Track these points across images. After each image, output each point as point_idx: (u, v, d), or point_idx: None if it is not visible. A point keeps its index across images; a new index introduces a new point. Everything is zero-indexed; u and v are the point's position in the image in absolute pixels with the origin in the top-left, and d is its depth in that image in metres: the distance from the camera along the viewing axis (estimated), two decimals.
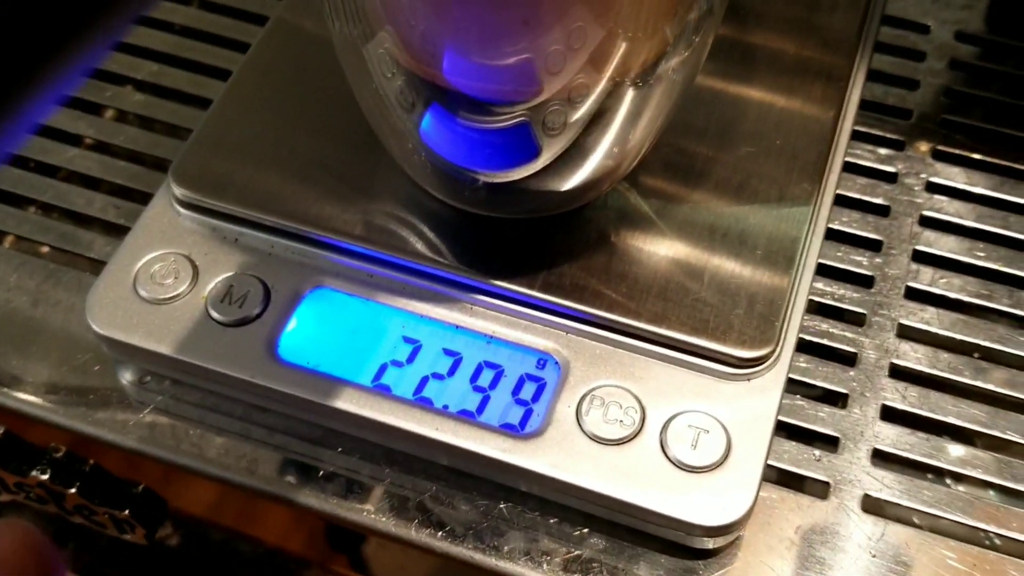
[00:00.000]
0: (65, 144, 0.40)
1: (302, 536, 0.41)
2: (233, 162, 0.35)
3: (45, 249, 0.37)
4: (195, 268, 0.33)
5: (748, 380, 0.31)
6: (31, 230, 0.38)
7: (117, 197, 0.38)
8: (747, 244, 0.33)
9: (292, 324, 0.33)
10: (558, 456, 0.30)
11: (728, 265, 0.33)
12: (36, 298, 0.36)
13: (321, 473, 0.32)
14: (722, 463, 0.30)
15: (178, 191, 0.34)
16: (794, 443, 0.33)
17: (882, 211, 0.37)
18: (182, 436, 0.33)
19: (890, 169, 0.38)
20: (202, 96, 0.41)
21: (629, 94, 0.30)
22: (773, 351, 0.31)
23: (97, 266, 0.35)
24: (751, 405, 0.31)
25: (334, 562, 0.41)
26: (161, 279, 0.33)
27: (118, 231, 0.37)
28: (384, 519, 0.31)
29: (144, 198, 0.38)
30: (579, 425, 0.31)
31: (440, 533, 0.31)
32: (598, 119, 0.30)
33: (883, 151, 0.39)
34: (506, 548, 0.31)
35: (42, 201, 0.38)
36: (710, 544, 0.30)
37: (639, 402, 0.31)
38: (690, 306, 0.32)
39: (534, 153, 0.30)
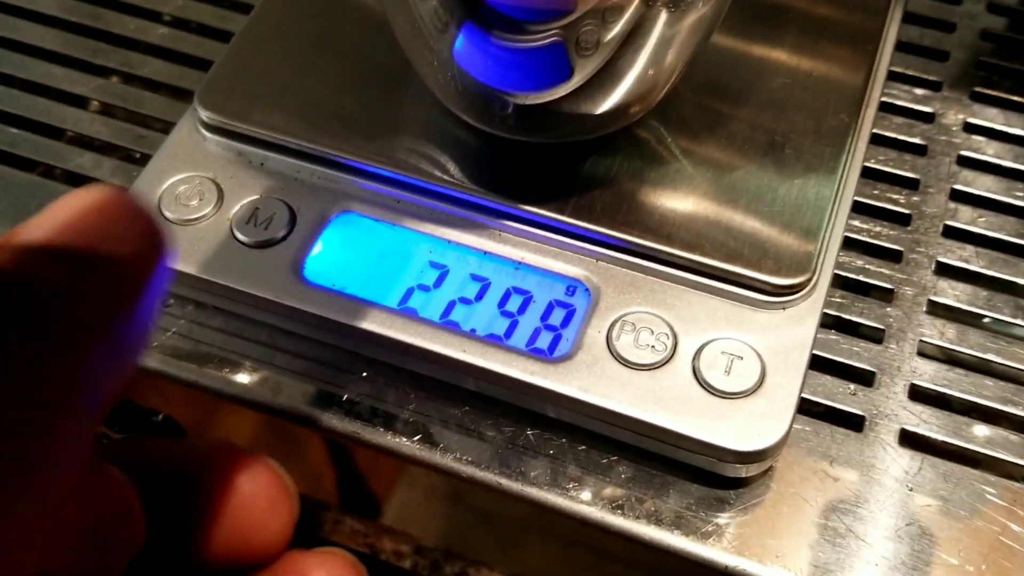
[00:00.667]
0: (91, 75, 0.39)
1: (326, 483, 0.40)
2: (260, 86, 0.34)
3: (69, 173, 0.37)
4: (220, 191, 0.33)
5: (783, 308, 0.31)
6: (55, 157, 0.37)
7: (142, 127, 0.38)
8: (783, 174, 0.32)
9: (318, 247, 0.32)
10: (588, 379, 0.30)
11: (763, 195, 0.32)
12: None
13: (345, 397, 0.32)
14: (756, 389, 0.29)
15: (204, 114, 0.34)
16: (829, 377, 0.32)
17: (919, 150, 0.37)
18: (204, 359, 0.32)
19: (927, 109, 0.38)
20: (227, 30, 0.40)
21: (662, 17, 0.29)
22: (809, 279, 0.31)
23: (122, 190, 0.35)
24: (786, 333, 0.30)
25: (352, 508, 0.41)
26: (186, 200, 0.33)
27: (143, 160, 0.37)
28: (408, 443, 0.31)
29: (170, 128, 0.37)
30: (609, 350, 0.30)
31: (465, 458, 0.31)
32: (631, 41, 0.29)
33: (920, 91, 0.38)
34: (532, 474, 0.30)
35: (67, 130, 0.38)
36: (742, 472, 0.30)
37: (671, 328, 0.30)
38: (724, 233, 0.31)
39: (567, 73, 0.30)
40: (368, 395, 0.32)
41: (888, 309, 0.33)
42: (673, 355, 0.30)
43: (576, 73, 0.30)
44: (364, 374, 0.32)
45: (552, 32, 0.28)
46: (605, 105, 0.31)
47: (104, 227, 0.18)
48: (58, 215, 0.18)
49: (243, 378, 0.32)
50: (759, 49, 0.35)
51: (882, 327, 0.33)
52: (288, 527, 0.23)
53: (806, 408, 0.32)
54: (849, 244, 0.34)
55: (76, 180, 0.37)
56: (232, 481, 0.22)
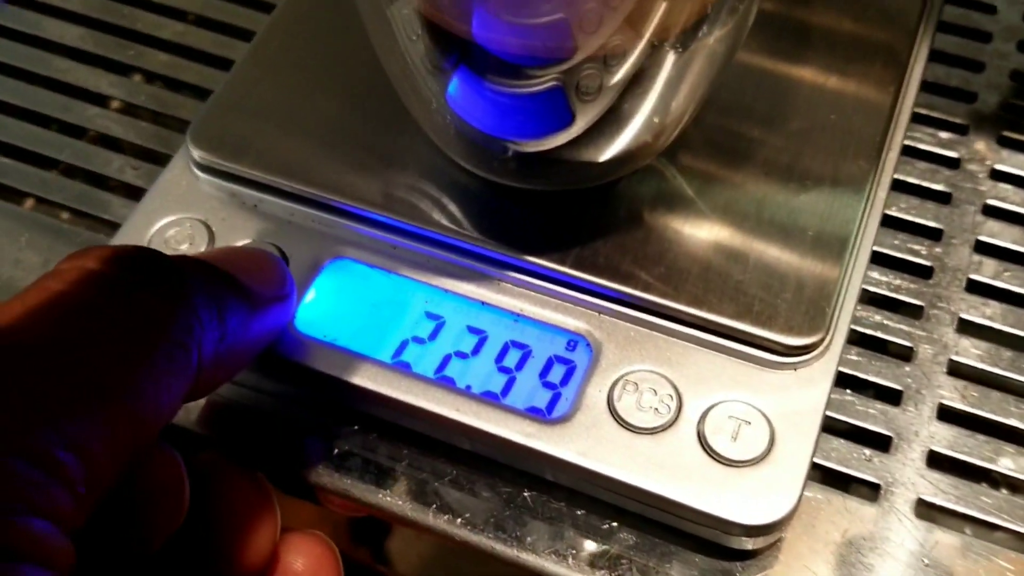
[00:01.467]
0: (87, 103, 0.38)
1: (326, 529, 0.39)
2: (254, 125, 0.33)
3: (61, 212, 0.36)
4: (211, 233, 0.32)
5: (795, 370, 0.29)
6: (47, 190, 0.36)
7: (138, 158, 0.37)
8: (797, 226, 0.31)
9: (310, 295, 0.31)
10: (587, 443, 0.28)
11: (775, 247, 0.30)
12: (47, 258, 0.34)
13: (336, 451, 0.30)
14: (765, 457, 0.28)
15: (196, 154, 0.32)
16: (843, 441, 0.31)
17: (943, 198, 0.35)
18: (190, 408, 0.31)
19: (952, 154, 0.36)
20: (226, 57, 0.39)
21: (668, 59, 0.28)
22: (822, 339, 0.29)
23: (112, 229, 0.34)
24: (797, 397, 0.29)
25: (357, 554, 0.39)
26: (176, 244, 0.31)
27: (136, 193, 0.36)
28: (400, 502, 0.30)
29: (165, 160, 0.36)
30: (610, 411, 0.29)
31: (459, 520, 0.29)
32: (635, 85, 0.28)
33: (945, 135, 0.36)
34: (529, 539, 0.29)
35: (61, 161, 0.37)
36: (749, 545, 0.28)
37: (676, 389, 0.29)
38: (733, 289, 0.30)
39: (567, 120, 0.28)
40: (361, 448, 0.30)
41: (907, 368, 0.32)
42: (677, 418, 0.28)
43: (577, 119, 0.28)
44: (356, 427, 0.31)
45: (551, 77, 0.27)
46: (609, 152, 0.29)
47: (246, 261, 0.27)
48: (219, 250, 0.28)
49: (226, 427, 0.31)
50: (775, 88, 0.34)
51: (900, 388, 0.31)
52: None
53: (818, 474, 0.30)
54: (867, 297, 0.33)
55: (68, 213, 0.36)
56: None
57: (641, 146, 0.30)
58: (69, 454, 0.19)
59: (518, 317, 0.30)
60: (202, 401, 0.31)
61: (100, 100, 0.39)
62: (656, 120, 0.29)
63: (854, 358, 0.32)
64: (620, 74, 0.27)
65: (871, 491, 0.30)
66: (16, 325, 0.20)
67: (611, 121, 0.28)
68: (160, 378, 0.21)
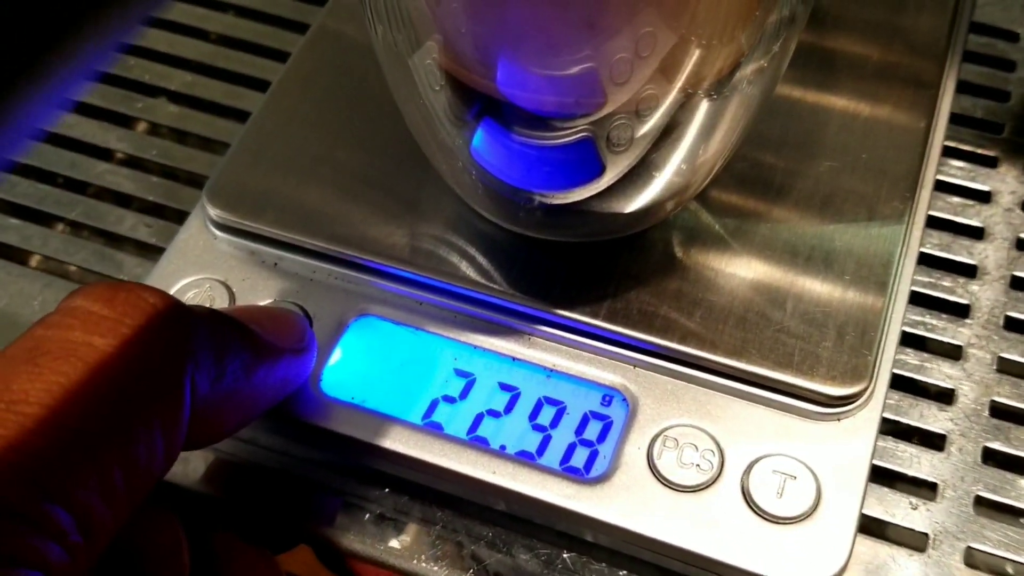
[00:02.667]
0: (94, 158, 0.38)
1: None
2: (272, 181, 0.32)
3: (73, 269, 0.35)
4: (232, 294, 0.31)
5: (838, 420, 0.28)
6: (58, 249, 0.35)
7: (149, 215, 0.36)
8: (833, 268, 0.30)
9: (336, 355, 0.30)
10: (628, 504, 0.27)
11: (813, 292, 0.30)
12: None
13: (367, 516, 0.30)
14: (811, 513, 0.27)
15: (213, 212, 0.32)
16: (887, 489, 0.30)
17: (976, 233, 0.34)
18: (214, 472, 0.30)
19: (984, 188, 0.35)
20: (238, 108, 0.38)
21: (702, 107, 0.27)
22: (866, 388, 0.28)
23: None
24: (843, 448, 0.28)
25: None
26: (198, 304, 0.31)
27: (150, 251, 0.35)
28: (436, 567, 0.29)
29: (178, 216, 0.35)
30: (651, 469, 0.28)
31: None
32: (668, 134, 0.27)
33: (975, 168, 0.36)
34: None
35: (70, 219, 0.36)
36: None
37: (717, 444, 0.28)
38: (772, 338, 0.29)
39: (597, 171, 0.27)
40: (392, 510, 0.30)
41: (949, 412, 0.31)
42: (720, 474, 0.28)
43: (608, 171, 0.27)
44: (386, 489, 0.30)
45: (580, 128, 0.26)
46: (639, 202, 0.29)
47: (261, 315, 0.27)
48: (236, 307, 0.30)
49: (253, 491, 0.30)
50: (804, 122, 0.33)
51: (943, 432, 0.31)
52: None
53: (863, 525, 0.29)
54: (905, 339, 0.32)
55: (82, 274, 0.35)
56: None
57: (673, 195, 0.29)
58: (55, 505, 0.19)
59: (551, 372, 0.30)
60: (229, 468, 0.30)
61: (107, 155, 0.38)
62: (689, 168, 0.28)
63: (894, 402, 0.31)
64: (652, 124, 0.26)
65: (919, 540, 0.29)
66: None
67: (642, 171, 0.28)
68: (151, 418, 0.21)
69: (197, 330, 0.23)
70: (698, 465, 0.28)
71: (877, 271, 0.30)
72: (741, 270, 0.30)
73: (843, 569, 0.26)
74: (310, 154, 0.33)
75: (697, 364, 0.29)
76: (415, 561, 0.29)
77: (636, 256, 0.31)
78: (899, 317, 0.30)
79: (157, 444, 0.22)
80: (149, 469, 0.22)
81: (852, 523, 0.27)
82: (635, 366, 0.29)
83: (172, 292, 0.31)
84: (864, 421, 0.28)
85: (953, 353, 0.32)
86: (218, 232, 0.32)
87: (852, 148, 0.33)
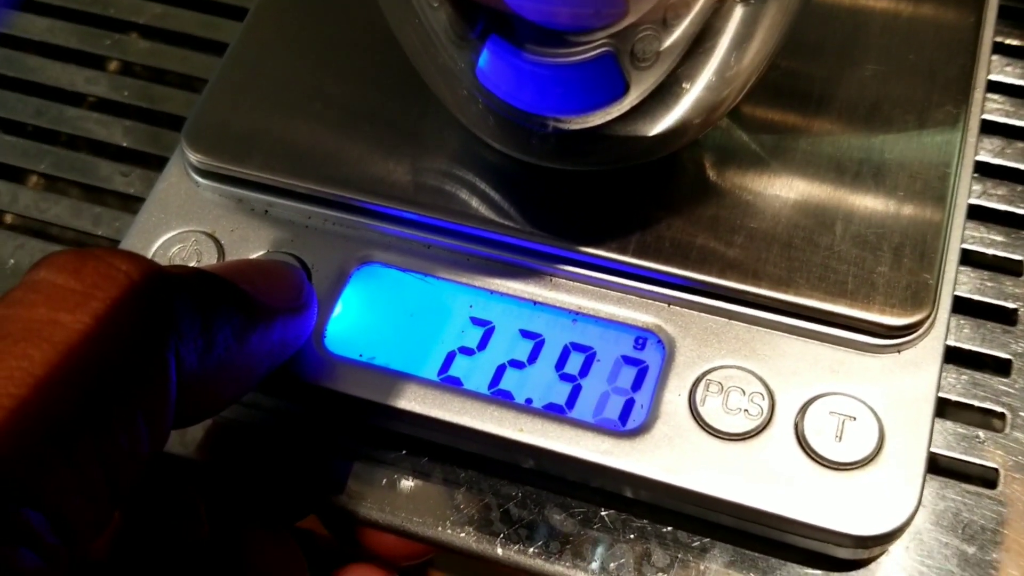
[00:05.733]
0: (63, 103, 0.34)
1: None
2: (257, 119, 0.29)
3: (47, 227, 0.32)
4: (220, 248, 0.28)
5: (899, 352, 0.26)
6: (28, 206, 0.32)
7: (126, 163, 0.33)
8: (885, 184, 0.27)
9: (338, 309, 0.27)
10: (671, 456, 0.25)
11: (864, 211, 0.27)
12: None
13: (384, 481, 0.27)
14: (875, 457, 0.24)
15: (194, 157, 0.29)
16: (949, 422, 0.27)
17: None
18: (219, 438, 0.28)
19: None
20: (215, 40, 0.35)
21: (736, 12, 0.24)
22: (929, 315, 0.25)
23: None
24: (905, 382, 0.25)
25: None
26: (182, 263, 0.28)
27: (130, 202, 0.32)
28: (463, 534, 0.26)
29: (157, 162, 0.32)
30: (694, 417, 0.25)
31: (532, 549, 0.26)
32: (699, 45, 0.24)
33: None
34: (612, 565, 0.26)
35: (40, 171, 0.33)
36: (864, 555, 0.25)
37: (766, 386, 0.25)
38: (821, 265, 0.26)
39: (620, 91, 0.24)
40: (411, 472, 0.27)
41: (1014, 332, 0.28)
42: (771, 419, 0.25)
43: (632, 90, 0.24)
44: (403, 451, 0.27)
45: (600, 42, 0.23)
46: (667, 123, 0.26)
47: (252, 271, 0.24)
48: (222, 263, 0.27)
49: (261, 458, 0.27)
50: (845, 32, 0.30)
51: (1008, 356, 0.28)
52: None
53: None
54: (963, 257, 0.29)
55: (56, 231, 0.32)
56: None
57: (704, 113, 0.26)
58: (24, 507, 0.17)
59: (576, 316, 0.27)
60: (229, 434, 0.28)
61: (77, 99, 0.35)
62: (722, 82, 0.25)
63: (954, 326, 0.28)
64: (681, 33, 0.23)
65: (990, 476, 0.26)
66: None
67: (670, 88, 0.24)
68: (131, 403, 0.19)
69: (179, 296, 0.20)
70: (746, 410, 0.25)
71: (933, 184, 0.27)
72: (783, 191, 0.27)
73: (912, 516, 0.24)
74: (298, 87, 0.30)
75: (739, 298, 0.26)
76: (439, 528, 0.26)
77: (665, 183, 0.28)
78: (958, 234, 0.27)
79: (140, 430, 0.19)
80: (133, 457, 0.19)
81: (920, 465, 0.24)
82: (670, 304, 0.27)
83: (154, 248, 0.28)
84: (927, 351, 0.26)
85: (1015, 268, 0.29)
86: (201, 179, 0.29)
87: (897, 50, 0.29)
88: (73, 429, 0.18)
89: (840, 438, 0.25)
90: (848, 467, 0.24)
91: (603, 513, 0.26)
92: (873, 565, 0.25)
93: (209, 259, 0.28)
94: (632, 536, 0.26)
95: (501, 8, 0.23)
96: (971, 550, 0.25)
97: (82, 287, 0.19)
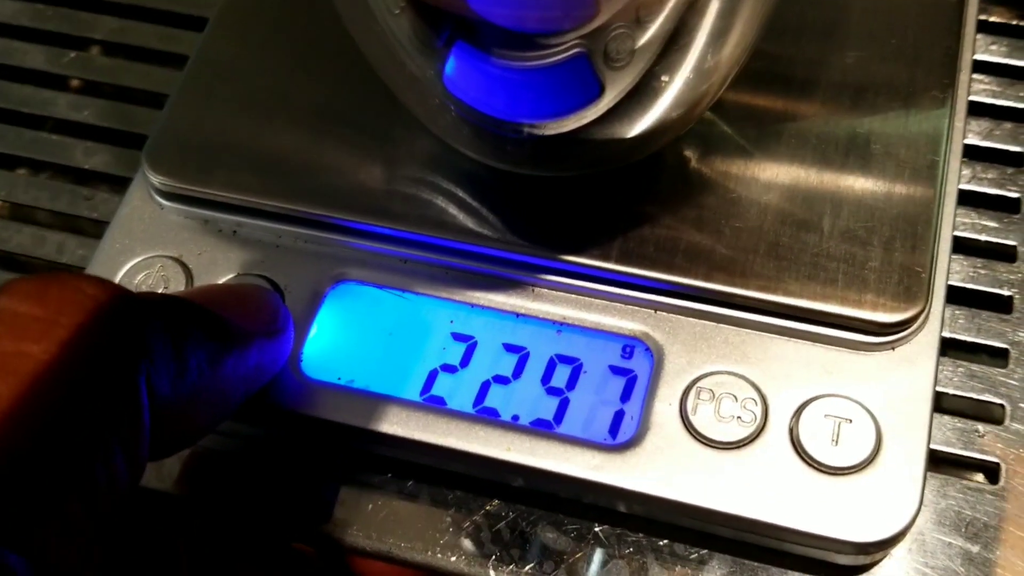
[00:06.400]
0: (21, 126, 0.33)
1: None
2: (221, 135, 0.28)
3: (9, 255, 0.31)
4: (188, 272, 0.27)
5: (893, 349, 0.25)
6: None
7: (87, 186, 0.32)
8: (872, 174, 0.26)
9: (314, 331, 0.26)
10: (663, 469, 0.24)
11: (852, 204, 0.26)
12: None
13: (370, 506, 0.26)
14: (872, 459, 0.24)
15: (156, 179, 0.28)
16: (946, 416, 0.26)
17: (1021, 116, 0.30)
18: (197, 470, 0.27)
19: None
20: (177, 52, 0.34)
21: (712, 6, 0.23)
22: (923, 309, 0.25)
23: None
24: (900, 380, 0.25)
25: None
26: (149, 290, 0.27)
27: (95, 227, 0.31)
28: (454, 557, 0.26)
29: (122, 184, 0.31)
30: (685, 427, 0.24)
31: (525, 569, 0.25)
32: (675, 40, 0.23)
33: (1013, 42, 0.31)
34: None
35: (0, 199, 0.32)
36: (864, 561, 0.24)
37: (758, 391, 0.25)
38: (810, 263, 0.25)
39: (595, 93, 0.23)
40: (396, 499, 0.26)
41: (1008, 320, 0.27)
42: (765, 425, 0.24)
43: (607, 91, 0.23)
44: (388, 474, 0.27)
45: (571, 44, 0.22)
46: (645, 123, 0.25)
47: (225, 296, 0.24)
48: (194, 289, 0.26)
49: (239, 492, 0.27)
50: (826, 16, 0.29)
51: (1004, 345, 0.27)
52: None
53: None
54: (955, 245, 0.28)
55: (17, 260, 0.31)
56: None
57: (683, 111, 0.25)
58: (3, 551, 0.16)
59: (561, 327, 0.26)
60: (207, 465, 0.27)
61: (37, 122, 0.33)
62: (700, 79, 0.24)
63: (947, 317, 0.27)
64: (656, 30, 0.22)
65: (991, 472, 0.26)
66: None
67: (647, 87, 0.23)
68: (105, 434, 0.18)
69: (149, 321, 0.20)
70: (739, 417, 0.24)
71: (922, 172, 0.26)
72: (768, 187, 0.26)
73: (913, 519, 0.23)
74: (262, 99, 0.29)
75: (727, 301, 0.25)
76: (429, 552, 0.26)
77: (646, 184, 0.27)
78: (949, 222, 0.26)
79: (117, 461, 0.18)
80: (111, 490, 0.18)
81: (920, 466, 0.24)
82: (656, 310, 0.26)
83: (119, 276, 0.27)
84: (922, 346, 0.25)
85: (1007, 254, 0.28)
86: (165, 201, 0.28)
87: (879, 33, 0.28)
88: (48, 464, 0.17)
89: (836, 442, 0.24)
90: (846, 472, 0.24)
91: (597, 529, 0.26)
92: (875, 569, 0.25)
93: (176, 285, 0.27)
94: (628, 551, 0.25)
95: (466, 13, 0.22)
96: (975, 549, 0.25)
97: (47, 314, 0.18)
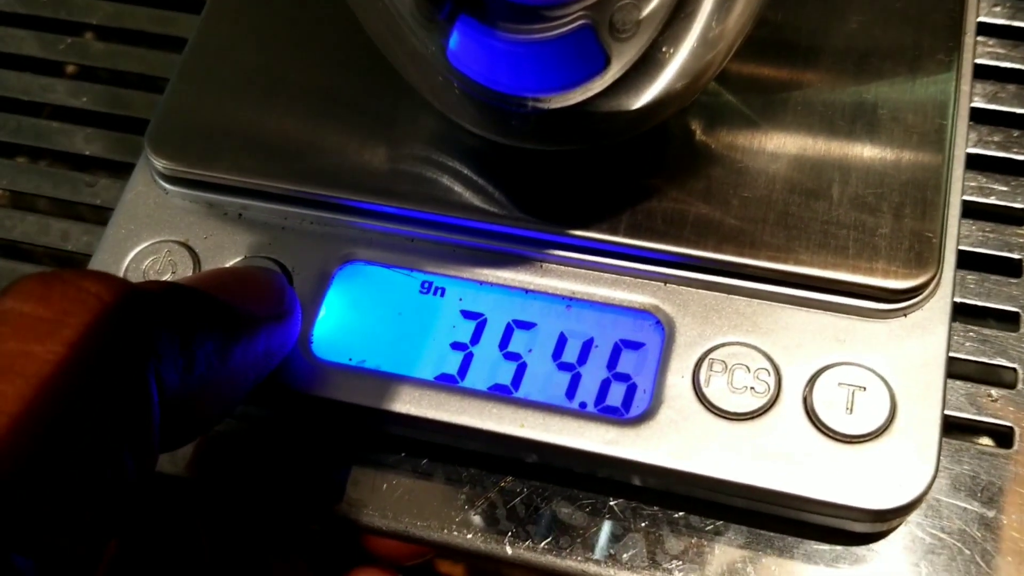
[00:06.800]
0: (20, 114, 0.33)
1: None
2: (223, 117, 0.28)
3: (16, 245, 0.31)
4: (195, 257, 0.27)
5: (905, 315, 0.25)
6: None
7: (91, 172, 0.32)
8: (880, 140, 0.26)
9: (323, 312, 0.26)
10: (677, 442, 0.24)
11: (861, 171, 0.26)
12: None
13: (384, 486, 0.26)
14: (887, 427, 0.24)
15: (160, 163, 0.27)
16: (959, 382, 0.26)
17: None
18: (210, 454, 0.27)
19: None
20: (172, 35, 0.34)
21: None
22: (934, 275, 0.25)
23: (76, 264, 0.29)
24: (913, 346, 0.24)
25: None
26: (157, 276, 0.27)
27: (98, 214, 0.31)
28: (469, 535, 0.26)
29: (124, 169, 0.31)
30: (698, 399, 0.24)
31: (541, 545, 0.25)
32: (679, 11, 0.23)
33: (1017, 2, 0.31)
34: (625, 556, 0.25)
35: (2, 188, 0.32)
36: (882, 528, 0.24)
37: (771, 361, 0.25)
38: (820, 231, 0.25)
39: (600, 65, 0.23)
40: (410, 477, 0.26)
41: (1019, 282, 0.27)
42: (778, 395, 0.24)
43: (612, 63, 0.23)
44: (402, 453, 0.27)
45: (576, 15, 0.22)
46: (651, 95, 0.24)
47: (230, 280, 0.23)
48: (198, 274, 0.26)
49: (254, 474, 0.27)
50: None
51: (1015, 309, 0.27)
52: None
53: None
54: (965, 209, 0.28)
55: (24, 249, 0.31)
56: None
57: (689, 81, 0.25)
58: (9, 552, 0.16)
59: (571, 302, 0.26)
60: (219, 449, 0.27)
61: (35, 109, 0.33)
62: (706, 49, 0.24)
63: (957, 281, 0.27)
64: (661, 0, 0.22)
65: (1004, 436, 0.26)
66: None
67: (653, 58, 0.23)
68: (113, 432, 0.18)
69: (155, 315, 0.19)
70: (752, 388, 0.24)
71: (929, 137, 0.26)
72: (776, 156, 0.26)
73: (930, 486, 0.23)
74: (263, 79, 0.28)
75: (738, 272, 0.25)
76: (444, 530, 0.26)
77: (653, 156, 0.27)
78: (958, 187, 0.26)
79: (125, 459, 0.18)
80: (121, 488, 0.18)
81: (935, 432, 0.23)
82: (666, 282, 0.26)
83: (126, 262, 0.27)
84: (935, 312, 0.25)
85: (1017, 217, 0.28)
86: (169, 186, 0.28)
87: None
88: (55, 466, 0.17)
89: (851, 410, 0.24)
90: (861, 439, 0.24)
91: (612, 503, 0.26)
92: (891, 535, 0.25)
93: (184, 270, 0.26)
94: (643, 524, 0.25)
95: None
96: (991, 513, 0.25)
97: (52, 314, 0.18)
